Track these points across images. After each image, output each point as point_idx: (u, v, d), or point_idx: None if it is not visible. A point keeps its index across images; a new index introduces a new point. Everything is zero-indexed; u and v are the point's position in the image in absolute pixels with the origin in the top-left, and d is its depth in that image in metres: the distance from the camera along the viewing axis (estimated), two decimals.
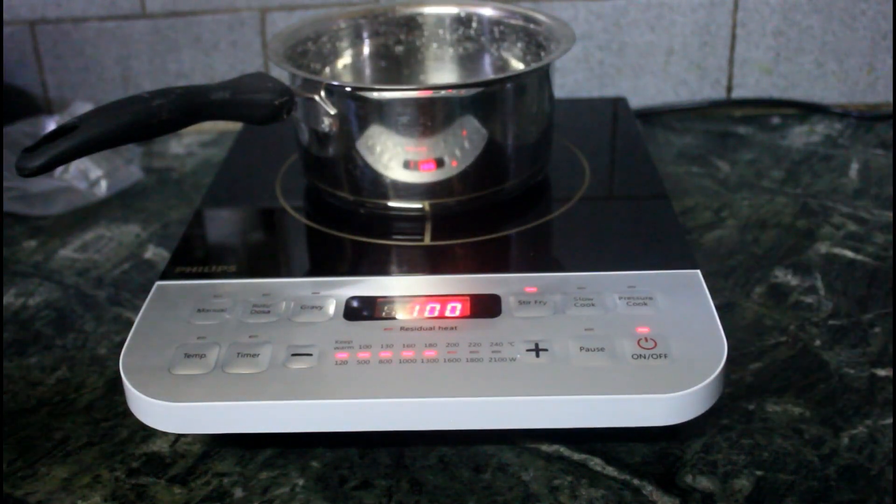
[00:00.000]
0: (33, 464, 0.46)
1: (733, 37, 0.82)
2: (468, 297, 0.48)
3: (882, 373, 0.49)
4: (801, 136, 0.79)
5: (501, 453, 0.45)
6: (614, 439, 0.45)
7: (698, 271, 0.50)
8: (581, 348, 0.44)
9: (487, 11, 0.67)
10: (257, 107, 0.53)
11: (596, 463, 0.44)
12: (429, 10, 0.68)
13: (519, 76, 0.57)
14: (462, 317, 0.47)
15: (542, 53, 0.63)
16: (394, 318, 0.47)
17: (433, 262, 0.54)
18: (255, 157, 0.70)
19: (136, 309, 0.57)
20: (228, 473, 0.45)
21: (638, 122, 0.76)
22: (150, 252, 0.65)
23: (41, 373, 0.53)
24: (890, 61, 0.82)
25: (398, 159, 0.55)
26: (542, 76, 0.58)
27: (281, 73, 0.59)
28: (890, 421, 0.46)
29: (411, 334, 0.46)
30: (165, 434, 0.47)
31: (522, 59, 0.66)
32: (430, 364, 0.44)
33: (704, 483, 0.43)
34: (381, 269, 0.53)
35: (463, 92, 0.54)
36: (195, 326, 0.47)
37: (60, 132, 0.45)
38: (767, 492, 0.42)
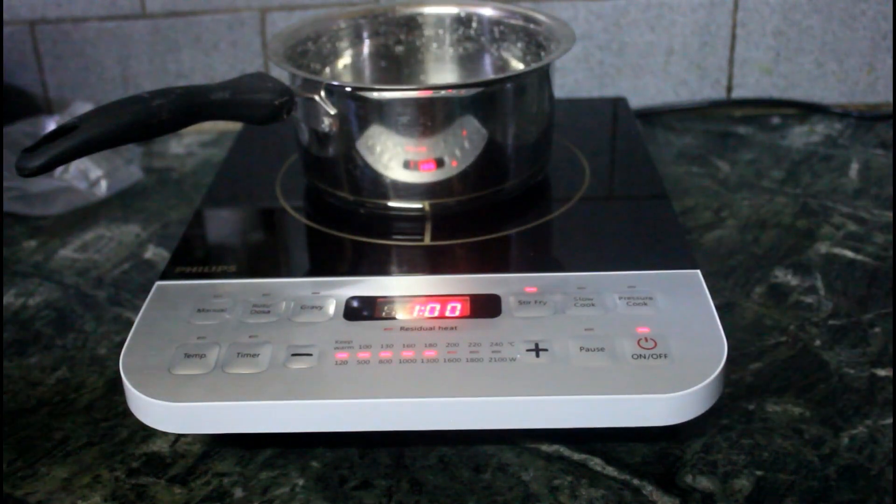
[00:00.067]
0: (33, 464, 0.46)
1: (733, 37, 0.82)
2: (468, 297, 0.48)
3: (882, 373, 0.49)
4: (801, 136, 0.79)
5: (501, 453, 0.45)
6: (614, 439, 0.45)
7: (698, 271, 0.50)
8: (581, 348, 0.44)
9: (487, 11, 0.67)
10: (257, 107, 0.53)
11: (596, 463, 0.44)
12: (429, 10, 0.68)
13: (519, 76, 0.57)
14: (462, 317, 0.47)
15: (542, 53, 0.63)
16: (394, 318, 0.47)
17: (433, 262, 0.54)
18: (255, 157, 0.70)
19: (136, 309, 0.57)
20: (228, 473, 0.45)
21: (638, 122, 0.76)
22: (150, 252, 0.65)
23: (41, 373, 0.53)
24: (890, 61, 0.82)
25: (398, 159, 0.55)
26: (542, 76, 0.58)
27: (281, 73, 0.59)
28: (890, 421, 0.46)
29: (411, 334, 0.46)
30: (165, 434, 0.47)
31: (522, 59, 0.66)
32: (430, 364, 0.44)
33: (704, 483, 0.43)
34: (381, 269, 0.53)
35: (463, 92, 0.54)
36: (195, 326, 0.47)
37: (60, 132, 0.45)
38: (767, 492, 0.42)
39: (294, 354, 0.45)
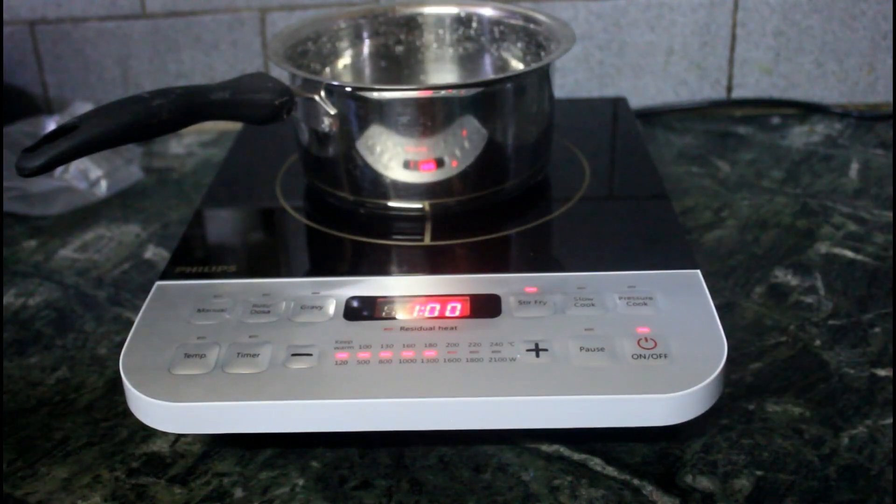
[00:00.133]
0: (33, 464, 0.46)
1: (733, 37, 0.82)
2: (468, 297, 0.48)
3: (882, 373, 0.49)
4: (801, 136, 0.79)
5: (501, 453, 0.45)
6: (614, 439, 0.45)
7: (698, 271, 0.50)
8: (581, 348, 0.44)
9: (487, 11, 0.67)
10: (257, 107, 0.53)
11: (596, 463, 0.44)
12: (429, 10, 0.68)
13: (519, 76, 0.57)
14: (462, 317, 0.47)
15: (542, 53, 0.63)
16: (394, 318, 0.47)
17: (433, 262, 0.54)
18: (255, 157, 0.70)
19: (136, 309, 0.57)
20: (228, 473, 0.45)
21: (638, 122, 0.76)
22: (150, 252, 0.65)
23: (41, 373, 0.53)
24: (890, 61, 0.82)
25: (398, 159, 0.55)
26: (542, 76, 0.58)
27: (281, 73, 0.59)
28: (890, 421, 0.46)
29: (411, 334, 0.46)
30: (165, 434, 0.47)
31: (522, 59, 0.66)
32: (430, 364, 0.44)
33: (704, 483, 0.43)
34: (381, 269, 0.53)
35: (463, 92, 0.54)
36: (195, 326, 0.47)
37: (60, 132, 0.45)
38: (767, 492, 0.42)
39: (294, 354, 0.45)
